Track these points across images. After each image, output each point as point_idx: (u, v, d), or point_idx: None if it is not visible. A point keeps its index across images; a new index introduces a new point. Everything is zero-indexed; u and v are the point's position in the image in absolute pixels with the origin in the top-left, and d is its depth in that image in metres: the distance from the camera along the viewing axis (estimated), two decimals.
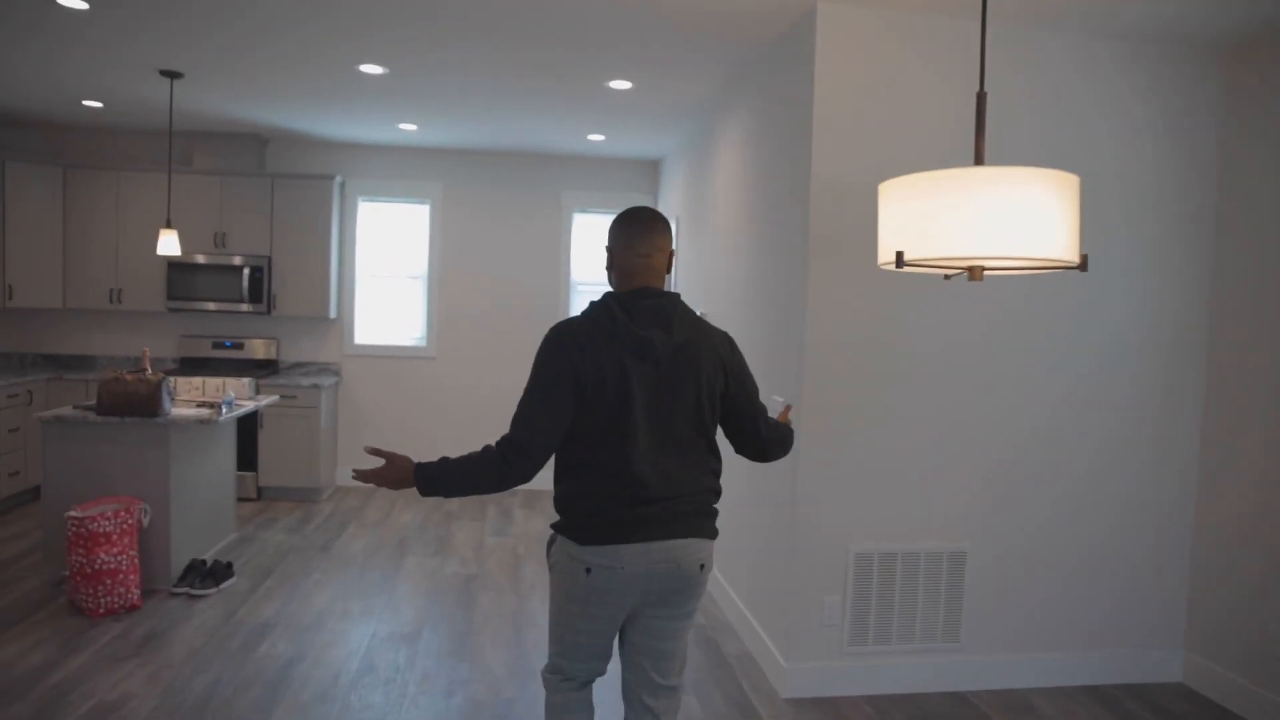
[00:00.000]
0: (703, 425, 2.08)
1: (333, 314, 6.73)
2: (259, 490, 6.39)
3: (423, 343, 7.06)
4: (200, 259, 6.41)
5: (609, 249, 2.19)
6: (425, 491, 2.00)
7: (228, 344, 6.76)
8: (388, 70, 4.56)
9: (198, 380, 5.07)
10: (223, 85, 5.04)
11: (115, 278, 6.43)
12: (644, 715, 2.15)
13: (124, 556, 4.11)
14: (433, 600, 4.43)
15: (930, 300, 3.41)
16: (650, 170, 7.16)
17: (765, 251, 3.91)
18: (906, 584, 3.45)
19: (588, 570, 1.99)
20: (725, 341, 2.14)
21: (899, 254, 1.68)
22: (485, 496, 6.85)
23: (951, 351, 3.44)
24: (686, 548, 2.03)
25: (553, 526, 2.10)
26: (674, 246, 2.70)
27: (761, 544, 3.80)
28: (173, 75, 4.79)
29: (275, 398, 5.39)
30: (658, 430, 2.02)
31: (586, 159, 7.07)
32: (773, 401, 3.67)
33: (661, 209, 6.93)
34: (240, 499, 6.33)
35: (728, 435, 2.23)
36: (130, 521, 4.18)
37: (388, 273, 7.06)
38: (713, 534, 2.11)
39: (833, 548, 3.40)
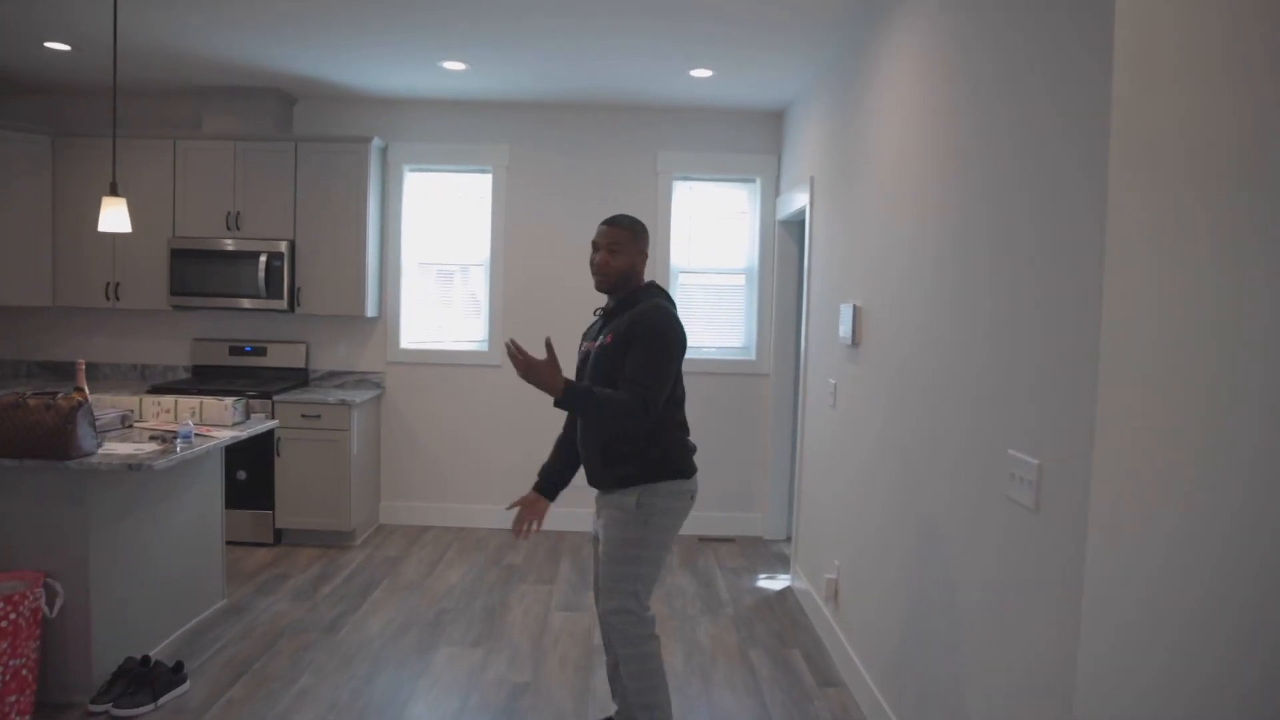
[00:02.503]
0: None
1: (371, 312, 5.39)
2: (276, 534, 5.10)
3: (484, 346, 5.65)
4: (211, 245, 5.17)
5: (646, 253, 2.82)
6: (563, 404, 2.47)
7: (248, 349, 5.50)
8: None
9: (169, 399, 3.80)
10: (226, 14, 3.72)
11: (113, 270, 5.25)
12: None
13: (15, 660, 2.81)
14: None
15: None
16: (771, 124, 5.54)
17: (996, 210, 2.26)
18: None
19: (692, 496, 2.72)
20: None
21: None
22: (561, 546, 5.37)
23: None
24: None
25: (647, 480, 2.63)
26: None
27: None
28: None
29: (271, 422, 4.04)
30: None
31: (689, 110, 5.51)
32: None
33: (788, 174, 5.29)
34: (254, 544, 5.05)
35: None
36: (24, 609, 2.87)
37: (442, 260, 5.68)
38: None
39: None
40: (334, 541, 5.14)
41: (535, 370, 2.41)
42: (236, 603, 4.15)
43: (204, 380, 5.36)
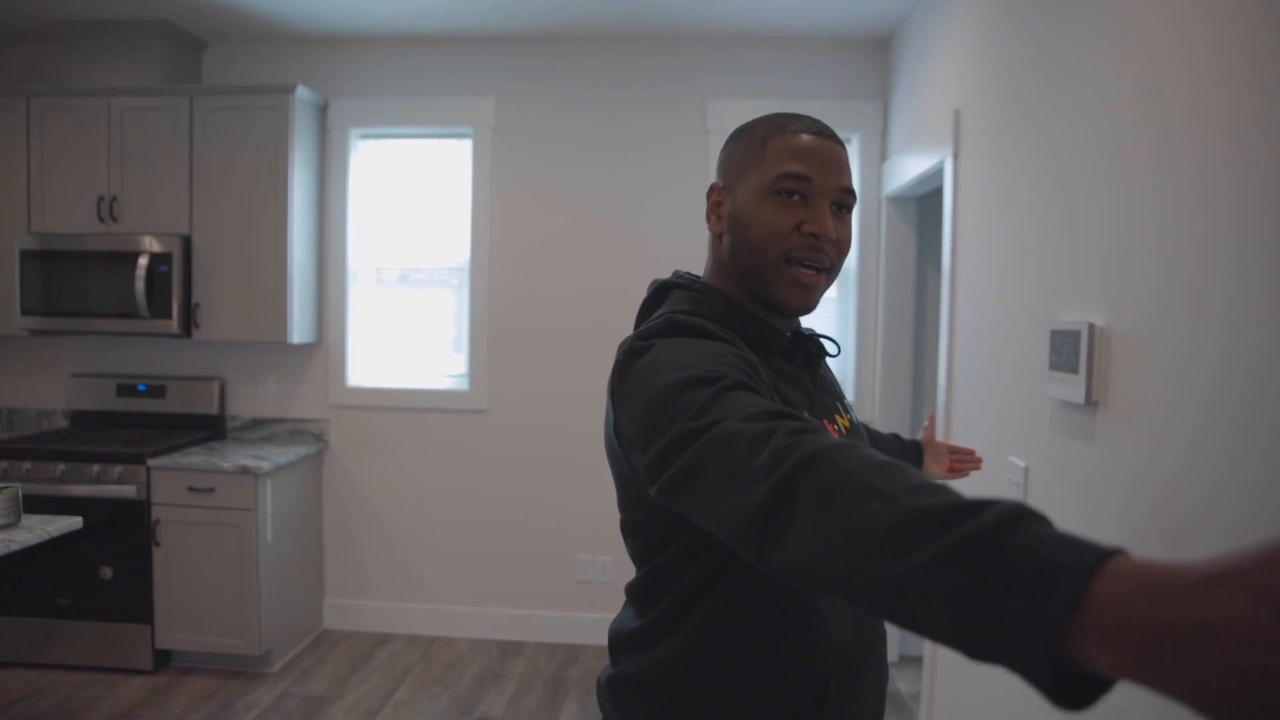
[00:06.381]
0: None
1: (299, 337, 3.81)
2: (158, 657, 3.53)
3: (464, 383, 4.03)
4: (78, 244, 3.67)
5: None
6: None
7: (141, 388, 3.98)
8: None
9: None
10: None
11: None
12: None
13: None
14: None
15: None
16: (873, 57, 3.80)
17: None
18: None
19: None
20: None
21: None
22: (567, 677, 3.70)
23: None
24: None
25: None
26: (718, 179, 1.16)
27: None
28: None
29: (42, 530, 2.46)
30: None
31: (750, 39, 3.81)
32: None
33: (904, 124, 3.55)
34: (126, 671, 3.49)
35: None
36: None
37: (408, 264, 4.08)
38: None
39: None
40: (241, 668, 3.56)
41: None
42: None
43: (90, 428, 3.86)
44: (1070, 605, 0.46)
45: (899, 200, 3.64)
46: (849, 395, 3.81)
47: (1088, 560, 0.47)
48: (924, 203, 3.63)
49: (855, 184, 3.68)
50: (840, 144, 1.10)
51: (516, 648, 3.89)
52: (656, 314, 1.08)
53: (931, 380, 3.61)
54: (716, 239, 1.14)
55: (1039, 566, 0.49)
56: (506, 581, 3.98)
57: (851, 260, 3.84)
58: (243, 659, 3.53)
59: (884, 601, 0.57)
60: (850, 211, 1.11)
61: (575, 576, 3.93)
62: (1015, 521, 0.52)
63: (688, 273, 1.18)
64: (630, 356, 0.98)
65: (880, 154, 3.78)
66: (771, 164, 1.06)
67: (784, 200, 1.05)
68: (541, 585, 3.95)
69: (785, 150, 1.06)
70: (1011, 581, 0.49)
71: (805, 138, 1.07)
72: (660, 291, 1.15)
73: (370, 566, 4.04)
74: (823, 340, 1.20)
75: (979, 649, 0.51)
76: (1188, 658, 0.41)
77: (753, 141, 1.10)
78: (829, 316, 3.92)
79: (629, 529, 1.10)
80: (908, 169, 3.28)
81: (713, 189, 1.15)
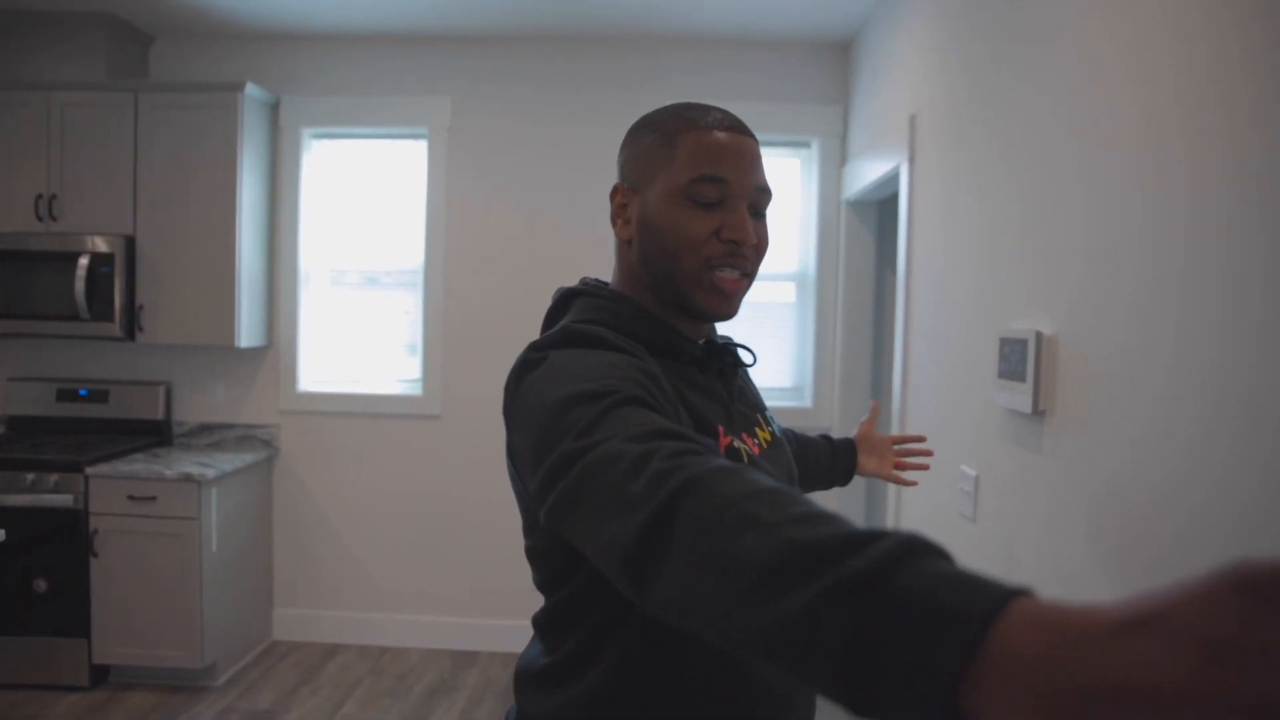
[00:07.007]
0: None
1: (248, 340, 3.71)
2: (95, 673, 3.41)
3: (418, 388, 3.95)
4: (15, 243, 3.55)
5: None
6: None
7: (82, 392, 3.85)
8: None
9: None
10: None
11: None
12: None
13: None
14: None
15: None
16: (834, 61, 3.77)
17: None
18: None
19: None
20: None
21: None
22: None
23: None
24: None
25: None
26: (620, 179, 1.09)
27: None
28: None
29: None
30: None
31: (713, 42, 3.77)
32: None
33: (863, 128, 3.52)
34: (61, 688, 3.37)
35: None
36: None
37: (363, 267, 3.99)
38: None
39: None
40: (184, 682, 3.45)
41: None
42: None
43: (25, 435, 3.73)
44: (965, 657, 0.40)
45: (858, 204, 3.62)
46: (807, 401, 3.80)
47: (985, 605, 0.41)
48: (883, 207, 3.61)
49: (814, 188, 3.67)
50: (753, 137, 1.03)
51: (470, 658, 3.81)
52: (560, 324, 1.01)
53: (891, 385, 3.59)
54: (625, 244, 1.05)
55: (931, 611, 0.43)
56: (461, 590, 3.90)
57: (810, 264, 3.81)
58: (185, 673, 3.42)
59: (765, 649, 0.50)
60: (767, 208, 1.05)
61: (530, 584, 3.85)
62: (906, 558, 0.46)
63: (595, 279, 1.11)
64: (523, 370, 0.92)
65: (840, 158, 3.75)
66: (683, 165, 0.98)
67: (699, 205, 0.98)
68: (496, 593, 3.87)
69: (698, 149, 0.98)
70: (900, 628, 0.43)
71: (718, 135, 0.99)
72: (564, 300, 1.08)
73: (321, 575, 3.95)
74: (739, 349, 1.13)
75: (863, 705, 0.45)
76: (1099, 715, 0.35)
77: (660, 138, 1.02)
78: (787, 321, 3.89)
79: (533, 556, 1.02)
80: (867, 173, 3.25)
81: (616, 190, 1.06)
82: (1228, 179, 1.14)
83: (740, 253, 0.99)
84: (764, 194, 1.02)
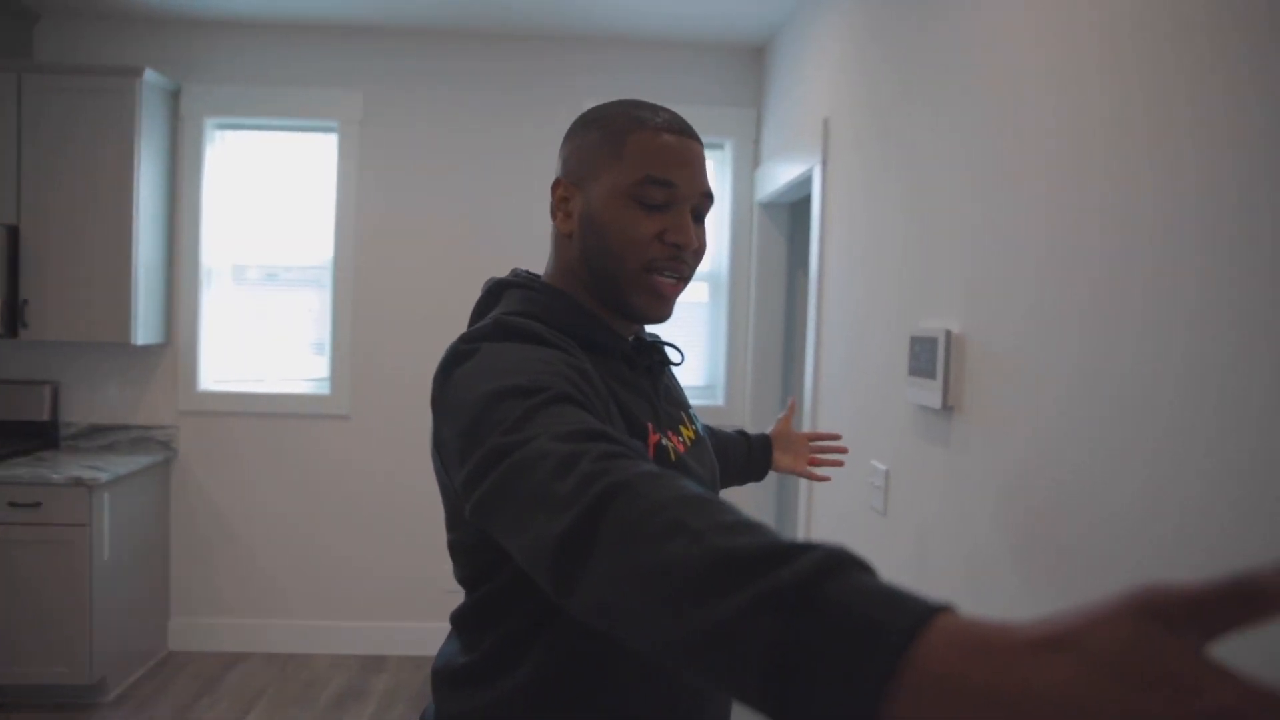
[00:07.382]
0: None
1: (145, 337, 3.54)
2: None
3: (325, 388, 3.84)
4: None
5: None
6: None
7: None
8: None
9: None
10: None
11: None
12: None
13: None
14: None
15: None
16: (748, 64, 3.84)
17: None
18: None
19: None
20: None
21: None
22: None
23: None
24: None
25: None
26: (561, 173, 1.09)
27: None
28: None
29: None
30: None
31: (627, 42, 3.80)
32: None
33: (776, 131, 3.59)
34: None
35: None
36: None
37: (267, 262, 3.86)
38: None
39: None
40: (70, 699, 3.26)
41: None
42: None
43: None
44: (889, 669, 0.41)
45: (771, 206, 3.69)
46: (719, 400, 3.85)
47: (908, 620, 0.42)
48: (795, 209, 3.69)
49: (728, 190, 3.73)
50: (699, 141, 1.05)
51: (379, 662, 3.72)
52: (492, 315, 1.00)
53: (803, 383, 3.67)
54: (564, 238, 1.05)
55: (855, 625, 0.44)
56: (369, 593, 3.81)
57: (723, 265, 3.87)
58: (72, 690, 3.24)
59: (688, 657, 0.51)
60: (707, 213, 1.07)
61: (441, 585, 3.79)
62: (833, 571, 0.47)
63: (526, 271, 1.10)
64: (453, 361, 0.90)
65: (753, 160, 3.82)
66: (631, 165, 0.98)
67: (645, 206, 0.99)
68: (405, 596, 3.79)
69: (647, 151, 0.98)
70: (824, 641, 0.44)
71: (668, 137, 0.99)
72: (494, 291, 1.06)
73: (222, 582, 3.79)
74: (666, 348, 1.14)
75: (785, 716, 0.46)
76: None
77: (609, 135, 1.01)
78: (700, 320, 3.94)
79: (456, 551, 1.00)
80: (779, 175, 3.32)
81: (558, 183, 1.05)
82: (1122, 179, 1.22)
83: (682, 257, 1.01)
84: (707, 199, 1.03)
